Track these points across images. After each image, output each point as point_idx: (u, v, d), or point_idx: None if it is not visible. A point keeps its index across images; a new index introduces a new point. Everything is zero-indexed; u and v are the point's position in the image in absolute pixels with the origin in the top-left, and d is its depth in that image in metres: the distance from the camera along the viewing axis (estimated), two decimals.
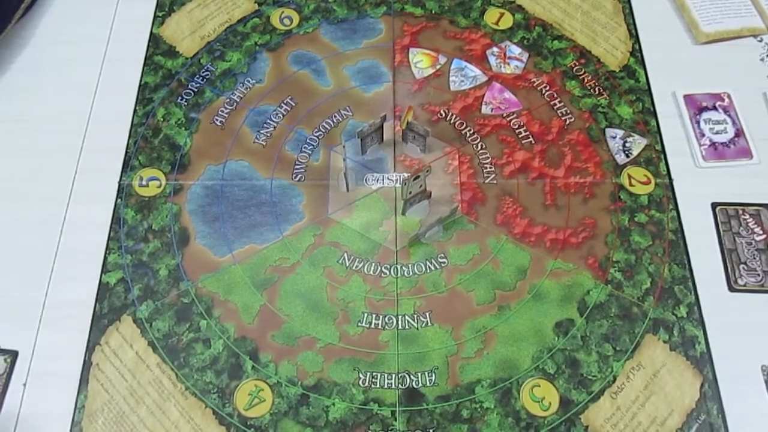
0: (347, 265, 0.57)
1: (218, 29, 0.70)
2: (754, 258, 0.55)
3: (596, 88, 0.66)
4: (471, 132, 0.64)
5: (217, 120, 0.64)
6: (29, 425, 0.50)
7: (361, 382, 0.52)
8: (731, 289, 0.55)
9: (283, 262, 0.57)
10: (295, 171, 0.62)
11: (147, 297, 0.55)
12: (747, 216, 0.56)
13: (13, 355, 0.52)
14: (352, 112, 0.65)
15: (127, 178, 0.61)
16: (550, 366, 0.53)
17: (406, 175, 0.61)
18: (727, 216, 0.57)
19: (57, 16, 0.71)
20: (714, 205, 0.58)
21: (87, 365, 0.52)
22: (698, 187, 0.61)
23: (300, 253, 0.58)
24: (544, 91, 0.66)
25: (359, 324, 0.54)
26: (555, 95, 0.66)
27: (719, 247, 0.57)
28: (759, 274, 0.55)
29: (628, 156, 0.63)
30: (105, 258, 0.57)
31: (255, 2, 0.72)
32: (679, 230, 0.59)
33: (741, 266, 0.55)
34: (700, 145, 0.63)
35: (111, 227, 0.58)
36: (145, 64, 0.67)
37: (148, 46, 0.69)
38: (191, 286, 0.56)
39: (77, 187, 0.60)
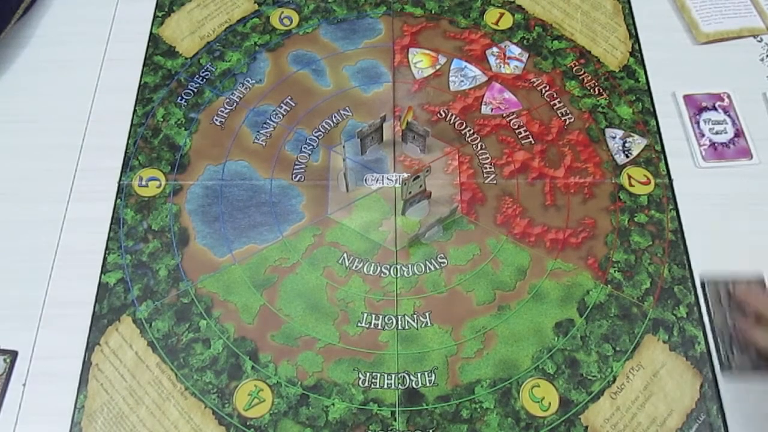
0: (347, 265, 0.57)
1: (218, 29, 0.70)
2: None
3: (596, 89, 0.66)
4: (471, 132, 0.64)
5: (216, 120, 0.64)
6: (29, 425, 0.50)
7: (360, 383, 0.52)
8: (723, 368, 0.53)
9: (283, 263, 0.57)
10: (294, 171, 0.62)
11: (146, 297, 0.55)
12: (736, 290, 0.55)
13: (13, 355, 0.52)
14: (351, 112, 0.65)
15: (127, 178, 0.61)
16: (549, 366, 0.53)
17: (405, 175, 0.61)
18: (717, 293, 0.55)
19: (57, 16, 0.71)
20: (703, 284, 0.56)
21: (86, 365, 0.52)
22: (698, 187, 0.61)
23: (300, 253, 0.58)
24: (543, 92, 0.66)
25: (359, 324, 0.54)
26: (555, 95, 0.66)
27: (710, 326, 0.55)
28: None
29: (627, 156, 0.63)
30: (105, 258, 0.57)
31: (254, 2, 0.72)
32: (679, 230, 0.59)
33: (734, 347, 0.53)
34: (700, 146, 0.63)
35: (111, 227, 0.58)
36: (144, 64, 0.67)
37: (148, 47, 0.69)
38: (191, 286, 0.56)
39: (77, 187, 0.60)
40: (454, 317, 0.55)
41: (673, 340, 0.54)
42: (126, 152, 0.62)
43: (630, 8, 0.72)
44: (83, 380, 0.52)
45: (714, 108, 0.65)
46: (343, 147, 0.60)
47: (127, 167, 0.61)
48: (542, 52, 0.69)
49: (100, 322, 0.54)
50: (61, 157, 0.62)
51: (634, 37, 0.70)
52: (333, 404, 0.51)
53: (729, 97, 0.65)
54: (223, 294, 0.56)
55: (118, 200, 0.60)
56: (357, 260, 0.57)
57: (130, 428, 0.50)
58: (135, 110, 0.65)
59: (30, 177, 0.61)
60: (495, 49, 0.69)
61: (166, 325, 0.54)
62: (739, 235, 0.59)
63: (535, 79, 0.67)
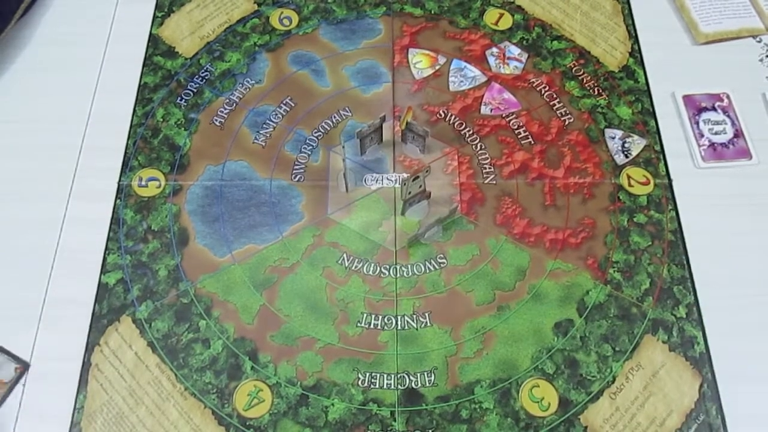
0: (346, 265, 0.57)
1: (217, 30, 0.70)
2: None
3: (595, 89, 0.66)
4: (470, 132, 0.64)
5: (216, 120, 0.64)
6: (29, 425, 0.50)
7: (360, 383, 0.52)
8: None
9: (283, 263, 0.57)
10: (294, 171, 0.62)
11: (146, 297, 0.55)
12: None
13: (24, 366, 0.52)
14: (351, 113, 0.65)
15: (127, 179, 0.61)
16: (549, 366, 0.53)
17: (405, 175, 0.61)
18: None
19: (57, 16, 0.71)
20: None
21: (86, 365, 0.52)
22: (697, 187, 0.61)
23: (299, 253, 0.58)
24: (543, 92, 0.66)
25: (358, 324, 0.54)
26: (554, 96, 0.66)
27: None
28: None
29: (627, 156, 0.63)
30: (104, 258, 0.57)
31: (254, 2, 0.72)
32: (678, 231, 0.59)
33: None
34: (699, 146, 0.63)
35: (110, 227, 0.58)
36: (144, 65, 0.67)
37: (148, 47, 0.69)
38: (190, 287, 0.56)
39: (77, 188, 0.60)
40: (453, 317, 0.55)
41: (673, 341, 0.54)
42: (126, 152, 0.62)
43: (629, 8, 0.72)
44: (83, 380, 0.52)
45: (713, 108, 0.65)
46: (343, 147, 0.60)
47: (126, 167, 0.61)
48: (542, 53, 0.69)
49: (100, 322, 0.54)
50: (60, 157, 0.62)
51: (634, 37, 0.70)
52: (332, 404, 0.51)
53: (728, 97, 0.66)
54: (222, 294, 0.56)
55: (118, 200, 0.60)
56: (357, 260, 0.57)
57: (129, 428, 0.50)
58: (135, 110, 0.65)
59: (30, 177, 0.61)
60: (494, 50, 0.69)
61: (165, 326, 0.54)
62: (738, 235, 0.59)
63: (534, 80, 0.67)
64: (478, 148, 0.63)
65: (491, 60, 0.68)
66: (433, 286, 0.56)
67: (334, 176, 0.61)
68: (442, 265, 0.57)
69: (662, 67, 0.68)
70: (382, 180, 0.61)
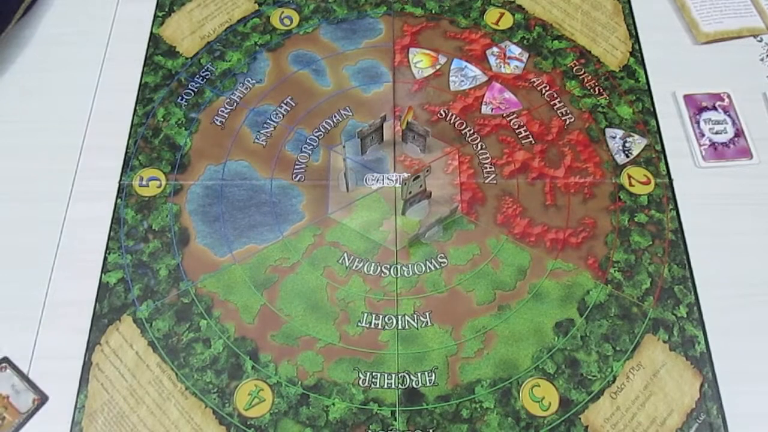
0: (347, 265, 0.57)
1: (218, 29, 0.70)
2: None
3: (596, 88, 0.66)
4: (471, 132, 0.64)
5: (217, 120, 0.64)
6: (29, 425, 0.50)
7: (360, 382, 0.52)
8: None
9: (283, 262, 0.57)
10: (295, 171, 0.62)
11: (147, 297, 0.55)
12: None
13: (43, 399, 0.51)
14: (352, 112, 0.65)
15: (127, 178, 0.61)
16: (549, 366, 0.53)
17: (406, 175, 0.61)
18: None
19: (57, 16, 0.71)
20: None
21: (87, 365, 0.52)
22: (698, 187, 0.61)
23: (300, 253, 0.58)
24: (544, 91, 0.66)
25: (359, 324, 0.54)
26: (555, 95, 0.66)
27: None
28: None
29: (627, 156, 0.63)
30: (105, 258, 0.57)
31: (255, 2, 0.72)
32: (679, 230, 0.59)
33: None
34: (700, 145, 0.63)
35: (111, 227, 0.58)
36: (145, 64, 0.67)
37: (148, 46, 0.69)
38: (191, 286, 0.56)
39: (77, 187, 0.60)
40: (454, 317, 0.55)
41: (673, 340, 0.54)
42: (126, 152, 0.62)
43: (630, 8, 0.72)
44: (84, 380, 0.52)
45: (714, 108, 0.65)
46: (344, 147, 0.60)
47: (127, 167, 0.61)
48: (542, 52, 0.69)
49: (101, 321, 0.54)
50: (61, 157, 0.62)
51: (634, 37, 0.70)
52: (333, 404, 0.51)
53: (729, 97, 0.66)
54: (223, 294, 0.56)
55: (119, 200, 0.60)
56: (357, 260, 0.57)
57: (130, 428, 0.50)
58: (135, 110, 0.65)
59: (30, 177, 0.61)
60: (495, 49, 0.69)
61: (166, 325, 0.54)
62: (739, 234, 0.59)
63: (535, 79, 0.67)
64: (479, 147, 0.63)
65: (492, 59, 0.68)
66: (433, 285, 0.56)
67: (335, 176, 0.61)
68: (442, 265, 0.57)
69: (663, 67, 0.68)
70: (383, 180, 0.61)
